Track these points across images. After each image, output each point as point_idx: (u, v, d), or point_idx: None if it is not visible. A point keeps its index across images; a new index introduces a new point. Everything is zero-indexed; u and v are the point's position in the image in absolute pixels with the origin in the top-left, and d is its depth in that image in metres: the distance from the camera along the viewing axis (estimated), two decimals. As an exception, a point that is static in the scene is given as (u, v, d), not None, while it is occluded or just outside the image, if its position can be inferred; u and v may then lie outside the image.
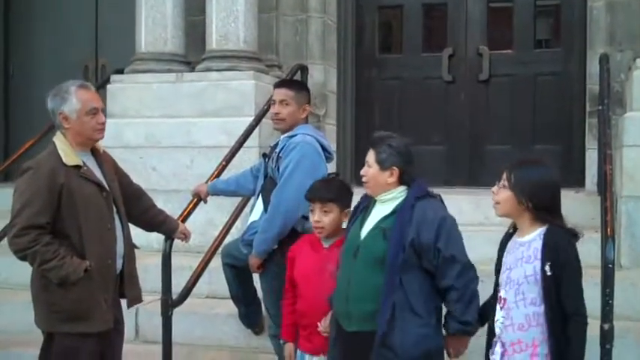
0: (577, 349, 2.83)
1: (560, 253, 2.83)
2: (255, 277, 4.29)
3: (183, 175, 5.71)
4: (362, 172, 3.25)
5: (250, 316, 4.54)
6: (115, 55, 7.31)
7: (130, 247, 3.60)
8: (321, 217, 3.48)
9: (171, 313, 4.06)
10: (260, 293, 4.26)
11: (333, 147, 6.79)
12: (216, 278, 4.79)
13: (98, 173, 3.52)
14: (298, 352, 3.58)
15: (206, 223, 5.46)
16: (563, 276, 2.83)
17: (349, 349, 3.17)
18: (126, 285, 3.56)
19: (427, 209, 3.11)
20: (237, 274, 4.36)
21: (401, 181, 3.19)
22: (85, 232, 3.34)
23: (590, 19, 6.22)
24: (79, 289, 3.31)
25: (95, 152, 3.60)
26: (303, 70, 6.42)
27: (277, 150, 4.04)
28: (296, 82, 4.60)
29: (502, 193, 2.99)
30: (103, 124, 3.52)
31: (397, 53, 7.20)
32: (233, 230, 5.05)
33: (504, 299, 2.96)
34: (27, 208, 3.26)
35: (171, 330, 4.03)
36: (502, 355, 2.94)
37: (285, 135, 4.10)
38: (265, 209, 4.00)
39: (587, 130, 6.20)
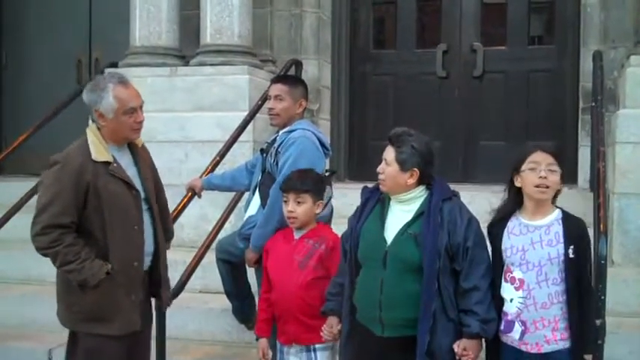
0: (593, 320, 3.14)
1: (582, 238, 3.11)
2: (250, 272, 4.29)
3: (177, 169, 5.70)
4: (379, 169, 3.16)
5: (244, 311, 4.54)
6: (109, 48, 7.31)
7: (162, 246, 3.48)
8: (295, 208, 3.54)
9: (165, 308, 4.06)
10: (254, 288, 4.26)
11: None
12: (209, 273, 4.79)
13: (131, 170, 3.37)
14: (277, 344, 3.62)
15: (200, 218, 5.47)
16: (584, 258, 3.10)
17: (382, 352, 3.12)
18: (155, 285, 3.48)
19: (455, 211, 3.09)
20: (232, 270, 4.36)
21: (420, 181, 3.15)
22: (109, 232, 3.22)
23: (584, 16, 6.25)
24: (98, 291, 3.20)
25: (133, 146, 3.44)
26: (298, 65, 6.42)
27: (276, 145, 4.03)
28: (292, 78, 4.60)
29: (554, 176, 3.08)
30: (141, 122, 3.35)
31: (391, 49, 7.20)
32: (227, 225, 5.05)
33: (521, 280, 3.08)
34: (51, 206, 3.14)
35: (164, 324, 4.03)
36: (523, 333, 3.07)
37: (284, 130, 4.10)
38: (263, 204, 4.00)
39: (580, 127, 6.23)
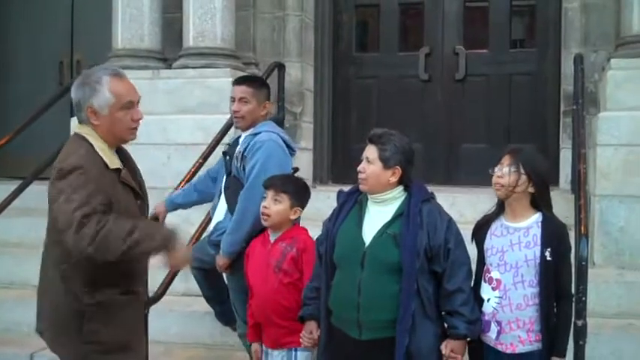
0: (568, 324, 3.16)
1: (560, 241, 3.11)
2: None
3: (159, 172, 5.67)
4: (360, 168, 3.16)
5: (227, 314, 4.51)
6: (91, 51, 7.25)
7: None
8: (270, 205, 3.53)
9: (148, 311, 4.04)
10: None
11: (310, 145, 6.84)
12: (192, 276, 4.77)
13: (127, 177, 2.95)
14: (263, 347, 3.62)
15: (183, 221, 5.42)
16: (561, 261, 3.10)
17: (360, 356, 3.09)
18: None
19: (434, 212, 3.10)
20: (207, 276, 4.33)
21: (400, 180, 3.16)
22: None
23: (565, 19, 6.29)
24: (126, 313, 2.85)
25: (119, 149, 3.02)
26: (281, 68, 6.41)
27: (241, 149, 3.96)
28: (255, 79, 4.49)
29: (512, 176, 3.10)
30: (139, 121, 2.93)
31: (374, 52, 7.21)
32: (210, 227, 5.03)
33: (498, 280, 3.11)
34: (83, 206, 2.63)
35: (147, 328, 4.01)
36: (498, 333, 3.10)
37: (248, 133, 4.03)
38: (230, 209, 3.96)
39: (561, 130, 6.27)
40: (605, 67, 5.52)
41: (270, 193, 3.55)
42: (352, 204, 3.25)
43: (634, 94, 5.12)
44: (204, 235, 4.84)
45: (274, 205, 3.53)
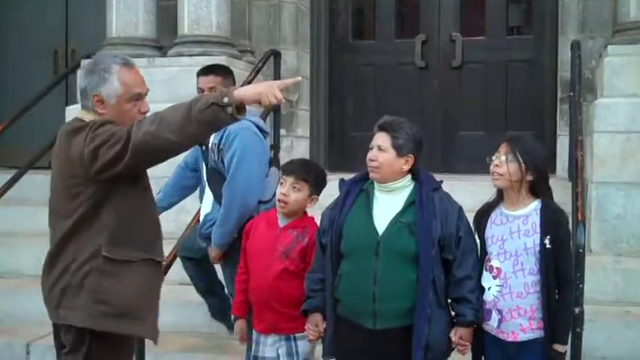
0: (569, 311, 3.18)
1: (559, 228, 3.08)
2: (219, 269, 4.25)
3: None
4: (371, 156, 3.10)
5: (222, 308, 4.47)
6: (86, 39, 7.23)
7: None
8: (289, 192, 3.42)
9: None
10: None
11: (306, 133, 6.82)
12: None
13: None
14: (254, 333, 3.53)
15: (178, 210, 5.41)
16: (561, 248, 3.08)
17: (373, 345, 3.05)
18: None
19: (445, 201, 3.10)
20: (199, 267, 4.31)
21: (410, 169, 3.13)
22: (145, 207, 2.87)
23: (562, 6, 6.27)
24: (140, 276, 2.81)
25: None
26: (276, 55, 6.38)
27: (215, 141, 3.90)
28: (221, 68, 4.36)
29: (509, 165, 3.09)
30: (145, 113, 2.88)
31: (370, 39, 7.19)
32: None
33: (498, 269, 3.10)
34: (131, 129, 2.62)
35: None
36: (500, 321, 3.09)
37: None
38: (217, 200, 3.94)
39: (558, 117, 6.25)
40: (602, 53, 5.50)
41: (289, 180, 3.43)
42: (357, 193, 3.19)
43: (631, 80, 5.11)
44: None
45: (293, 193, 3.42)
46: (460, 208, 3.12)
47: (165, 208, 4.36)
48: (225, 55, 5.99)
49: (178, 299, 4.85)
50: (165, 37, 6.42)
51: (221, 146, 3.88)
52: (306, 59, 6.93)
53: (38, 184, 5.47)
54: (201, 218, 4.12)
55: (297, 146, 6.69)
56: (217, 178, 3.92)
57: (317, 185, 3.51)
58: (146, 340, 3.96)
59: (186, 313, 4.81)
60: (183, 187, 4.35)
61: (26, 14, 7.73)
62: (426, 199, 3.05)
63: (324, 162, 6.95)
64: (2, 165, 7.01)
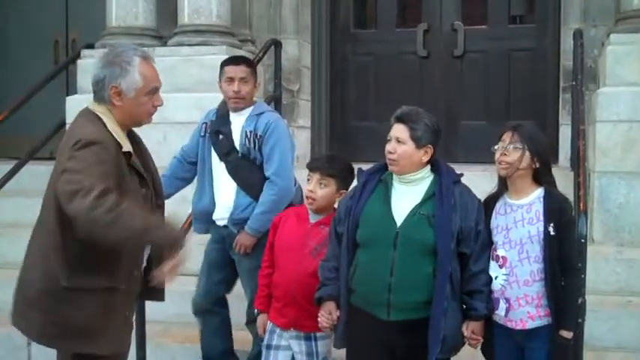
0: (575, 297, 3.16)
1: (563, 214, 3.10)
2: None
3: (156, 151, 5.43)
4: (390, 148, 3.08)
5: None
6: (86, 29, 7.19)
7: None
8: (316, 189, 3.42)
9: (144, 303, 4.01)
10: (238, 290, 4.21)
11: (307, 123, 6.81)
12: (189, 255, 4.74)
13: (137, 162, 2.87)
14: (269, 324, 3.54)
15: (180, 200, 5.40)
16: (565, 235, 3.09)
17: (386, 337, 3.04)
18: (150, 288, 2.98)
19: (465, 194, 3.09)
20: (223, 324, 4.22)
21: (429, 160, 3.11)
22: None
23: (564, -6, 6.23)
24: (99, 301, 2.76)
25: (129, 131, 2.94)
26: (277, 45, 6.35)
27: (250, 128, 3.96)
28: (249, 60, 4.45)
29: (517, 153, 3.08)
30: (157, 107, 2.91)
31: (372, 28, 7.16)
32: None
33: (504, 258, 3.11)
34: (104, 181, 2.55)
35: (144, 308, 3.99)
36: (507, 310, 3.10)
37: (250, 113, 4.02)
38: (244, 188, 3.94)
39: (560, 106, 6.23)
40: (605, 42, 5.47)
41: (315, 177, 3.43)
42: (375, 183, 3.17)
43: (634, 69, 5.08)
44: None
45: (320, 189, 3.41)
46: (480, 202, 3.12)
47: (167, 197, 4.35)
48: (225, 45, 5.97)
49: (180, 290, 4.81)
50: (166, 26, 6.39)
51: (260, 134, 3.93)
52: (307, 48, 6.90)
53: (39, 174, 5.44)
54: (221, 208, 4.07)
55: (298, 136, 6.66)
56: (248, 166, 3.95)
57: (344, 179, 3.49)
58: (148, 330, 3.96)
59: (188, 303, 4.78)
60: (180, 179, 4.32)
61: (27, 4, 7.69)
62: (446, 192, 3.03)
63: (325, 151, 6.93)
64: (2, 155, 7.00)
